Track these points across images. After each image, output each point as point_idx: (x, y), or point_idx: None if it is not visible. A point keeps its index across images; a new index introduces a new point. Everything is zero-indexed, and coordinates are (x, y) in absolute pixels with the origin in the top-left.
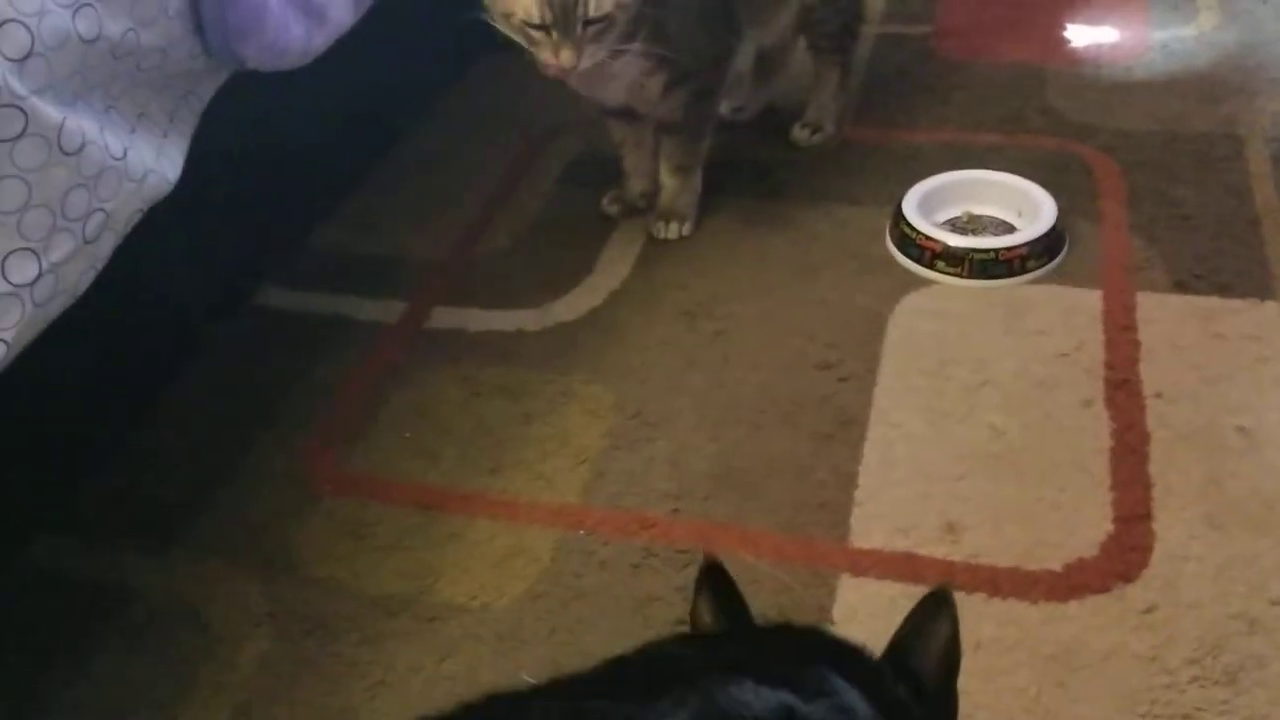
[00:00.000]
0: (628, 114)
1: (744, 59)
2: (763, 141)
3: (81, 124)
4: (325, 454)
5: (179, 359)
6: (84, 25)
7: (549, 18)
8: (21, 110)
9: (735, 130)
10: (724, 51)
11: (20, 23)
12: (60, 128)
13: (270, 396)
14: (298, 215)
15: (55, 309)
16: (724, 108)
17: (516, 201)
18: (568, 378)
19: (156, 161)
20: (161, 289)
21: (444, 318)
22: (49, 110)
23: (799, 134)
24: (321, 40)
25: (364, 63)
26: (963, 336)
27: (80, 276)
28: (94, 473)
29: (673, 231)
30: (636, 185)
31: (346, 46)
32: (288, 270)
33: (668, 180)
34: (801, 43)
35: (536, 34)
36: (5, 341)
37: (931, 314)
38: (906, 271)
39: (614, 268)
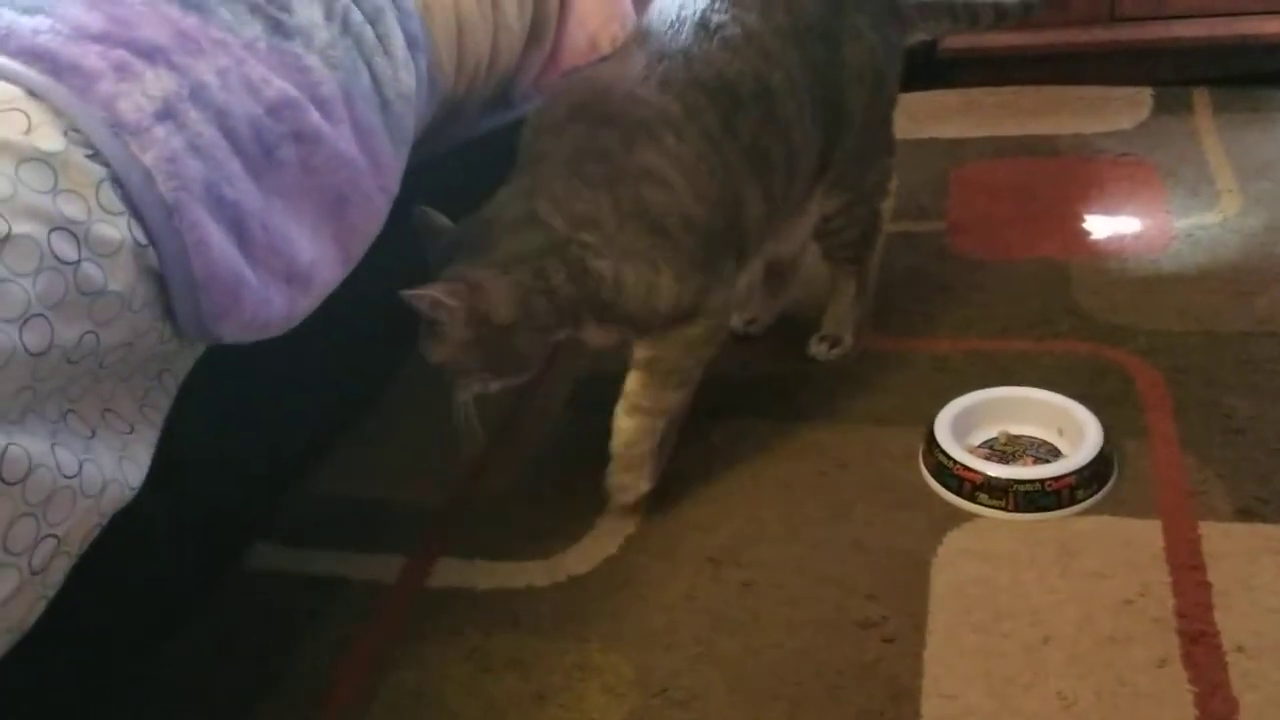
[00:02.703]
0: None
1: (754, 271)
2: (779, 355)
3: (27, 446)
4: None
5: (155, 641)
6: (32, 338)
7: None
8: None
9: (749, 344)
10: (724, 305)
11: None
12: (1, 457)
13: (255, 683)
14: (288, 464)
15: None
16: (737, 323)
17: (521, 431)
18: (585, 645)
19: (118, 468)
20: (140, 558)
21: (447, 573)
22: None
23: (817, 348)
24: (307, 304)
25: (352, 299)
26: (1016, 583)
27: (28, 611)
28: None
29: (619, 497)
30: None
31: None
32: (279, 525)
33: (622, 421)
34: (815, 249)
35: None
36: None
37: (978, 555)
38: (946, 504)
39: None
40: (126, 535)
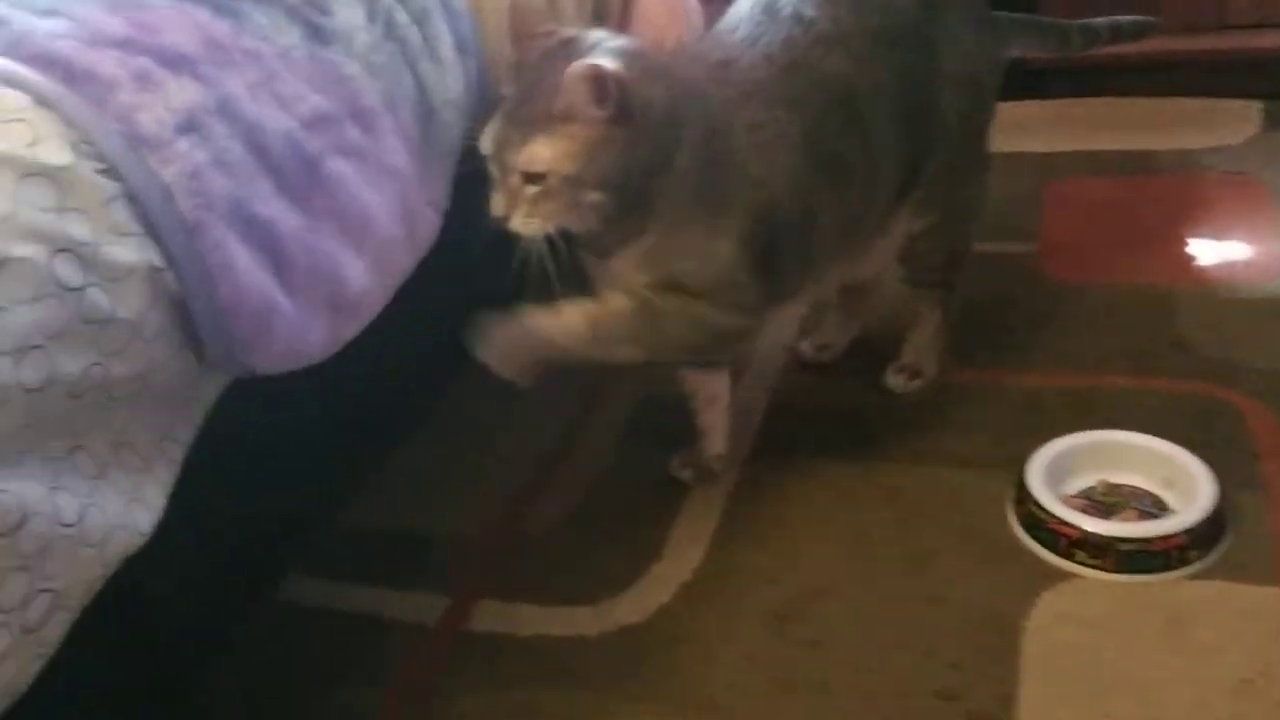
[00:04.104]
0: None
1: (826, 290)
2: (852, 386)
3: (21, 492)
4: None
5: (183, 684)
6: (30, 373)
7: (493, 152)
8: None
9: (819, 372)
10: (754, 313)
11: None
12: None
13: None
14: (326, 490)
15: None
16: (806, 348)
17: (572, 464)
18: (636, 705)
19: (125, 511)
20: (167, 591)
21: (490, 616)
22: None
23: (895, 379)
24: (354, 330)
25: (397, 317)
26: (1119, 654)
27: (21, 671)
28: None
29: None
30: (712, 447)
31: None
32: (316, 557)
33: (572, 315)
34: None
35: (493, 170)
36: None
37: (1075, 621)
38: (1038, 560)
39: (686, 550)
40: (152, 566)
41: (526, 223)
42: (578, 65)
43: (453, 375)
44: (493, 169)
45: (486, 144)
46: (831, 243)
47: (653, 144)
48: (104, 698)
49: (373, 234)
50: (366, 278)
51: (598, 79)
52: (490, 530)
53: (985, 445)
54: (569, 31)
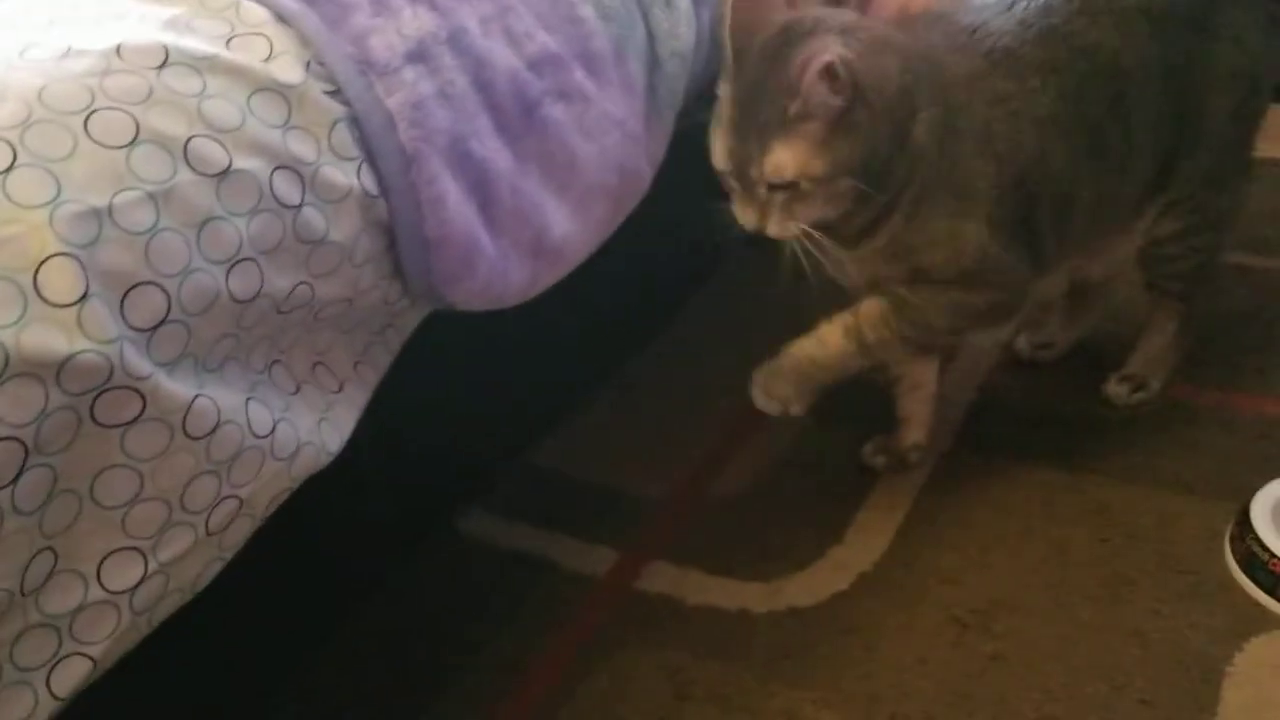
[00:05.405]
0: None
1: (1053, 284)
2: (1067, 391)
3: (218, 399)
4: None
5: (356, 599)
6: (239, 283)
7: (729, 168)
8: (138, 392)
9: (1034, 373)
10: (1016, 285)
11: (155, 285)
12: (187, 409)
13: (447, 661)
14: (513, 431)
15: (163, 612)
16: (1023, 344)
17: (760, 437)
18: (796, 693)
19: (315, 430)
20: (343, 509)
21: (659, 577)
22: (176, 389)
23: (1116, 389)
24: (553, 277)
25: (600, 262)
26: None
27: (201, 571)
28: None
29: (763, 403)
30: (910, 436)
31: None
32: (494, 494)
33: (832, 336)
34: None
35: (731, 183)
36: (91, 658)
37: None
38: (1251, 602)
39: (868, 539)
40: (334, 482)
41: (784, 227)
42: (813, 65)
43: (652, 333)
44: (732, 182)
45: (720, 159)
46: (1085, 221)
47: (890, 119)
48: (272, 606)
49: (581, 184)
50: (570, 226)
51: (830, 70)
52: (671, 492)
53: (1208, 472)
54: (780, 19)
